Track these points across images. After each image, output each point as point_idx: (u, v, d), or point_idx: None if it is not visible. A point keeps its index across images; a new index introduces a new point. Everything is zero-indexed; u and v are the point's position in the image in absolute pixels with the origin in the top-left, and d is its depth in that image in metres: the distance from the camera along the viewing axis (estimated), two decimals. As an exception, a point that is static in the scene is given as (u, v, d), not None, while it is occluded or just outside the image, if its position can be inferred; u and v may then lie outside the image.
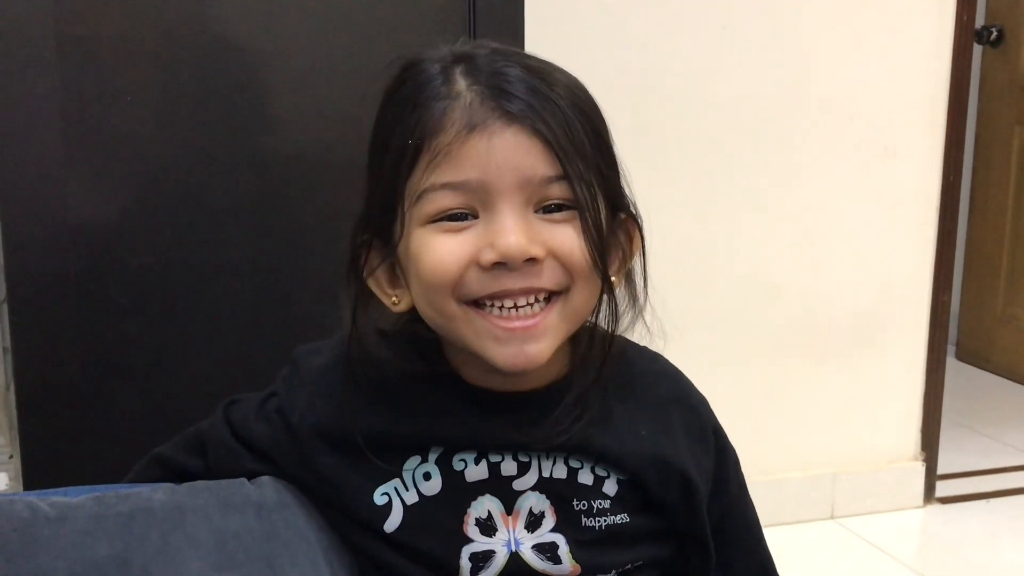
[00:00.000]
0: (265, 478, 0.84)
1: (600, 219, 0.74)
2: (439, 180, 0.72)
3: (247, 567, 0.78)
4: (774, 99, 2.10)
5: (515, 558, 0.80)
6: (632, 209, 0.79)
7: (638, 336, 0.83)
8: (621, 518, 0.81)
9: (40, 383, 1.27)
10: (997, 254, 3.32)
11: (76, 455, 1.28)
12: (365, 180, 0.79)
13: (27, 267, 1.25)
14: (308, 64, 1.32)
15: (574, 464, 0.81)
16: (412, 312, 0.79)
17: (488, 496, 0.80)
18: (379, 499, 0.80)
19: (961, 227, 2.53)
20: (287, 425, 0.83)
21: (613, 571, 0.82)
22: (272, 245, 1.34)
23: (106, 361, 1.29)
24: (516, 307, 0.73)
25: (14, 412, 1.28)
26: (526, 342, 0.73)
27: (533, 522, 0.80)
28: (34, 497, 0.78)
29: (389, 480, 0.80)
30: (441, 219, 0.73)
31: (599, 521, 0.81)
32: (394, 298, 0.79)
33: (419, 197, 0.73)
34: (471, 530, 0.80)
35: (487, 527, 0.80)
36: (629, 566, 0.82)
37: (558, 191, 0.72)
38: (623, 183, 0.79)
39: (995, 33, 3.13)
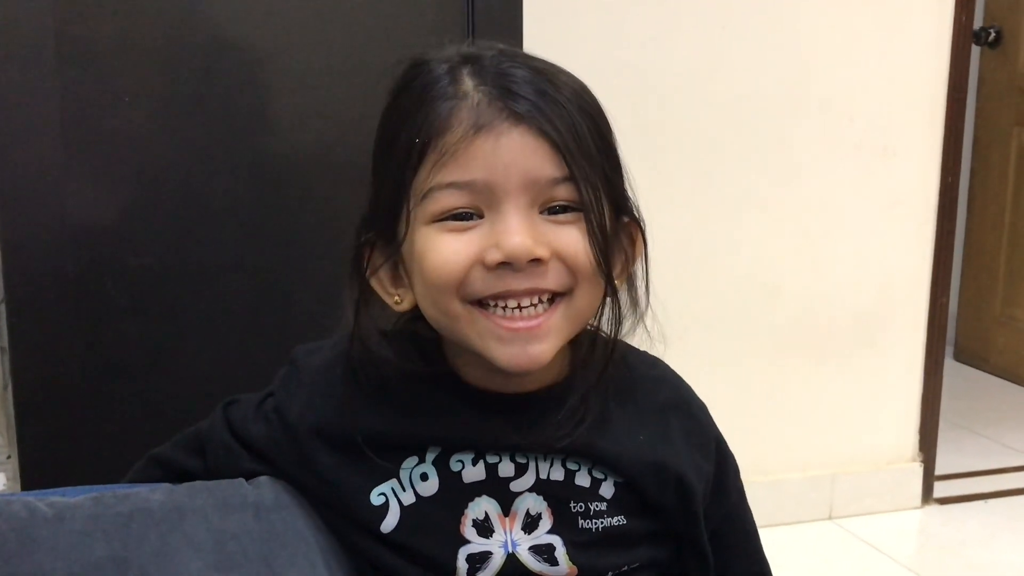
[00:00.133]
0: (263, 478, 0.84)
1: (605, 221, 0.74)
2: (445, 179, 0.72)
3: (245, 567, 0.78)
4: (774, 99, 2.10)
5: (512, 559, 0.80)
6: (635, 213, 0.79)
7: (638, 340, 0.83)
8: (618, 520, 0.81)
9: (38, 383, 1.27)
10: (995, 255, 3.32)
11: (74, 455, 1.28)
12: (369, 179, 0.79)
13: (26, 267, 1.24)
14: (308, 64, 1.32)
15: (572, 466, 0.81)
16: (412, 312, 0.79)
17: (485, 497, 0.80)
18: (376, 499, 0.80)
19: (960, 228, 2.53)
20: (285, 425, 0.83)
21: (610, 573, 0.82)
22: (272, 245, 1.34)
23: (105, 361, 1.29)
24: (520, 307, 0.73)
25: (12, 412, 1.28)
26: (529, 343, 0.73)
27: (530, 523, 0.80)
28: (32, 497, 0.78)
29: (386, 480, 0.80)
30: (446, 218, 0.73)
31: (596, 523, 0.81)
32: (396, 297, 0.79)
33: (424, 196, 0.73)
34: (468, 531, 0.79)
35: (484, 528, 0.80)
36: (626, 568, 0.82)
37: (563, 192, 0.73)
38: (627, 186, 0.79)
39: (994, 34, 3.13)
